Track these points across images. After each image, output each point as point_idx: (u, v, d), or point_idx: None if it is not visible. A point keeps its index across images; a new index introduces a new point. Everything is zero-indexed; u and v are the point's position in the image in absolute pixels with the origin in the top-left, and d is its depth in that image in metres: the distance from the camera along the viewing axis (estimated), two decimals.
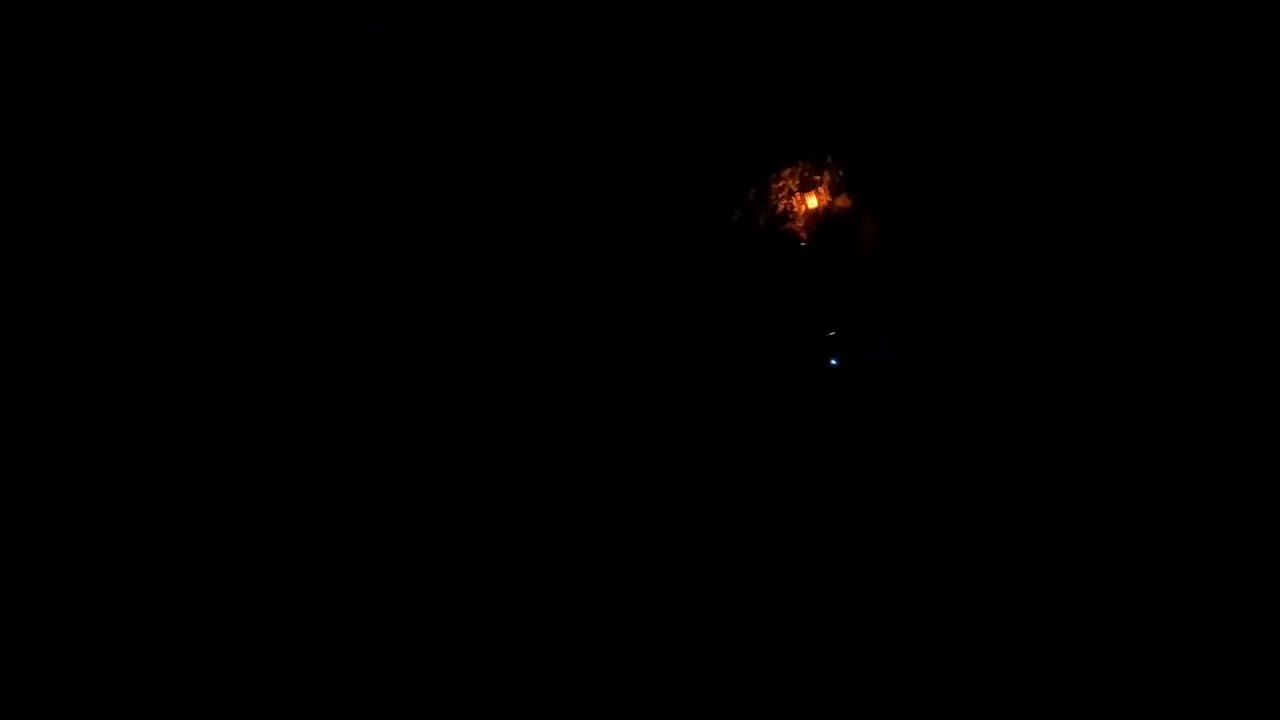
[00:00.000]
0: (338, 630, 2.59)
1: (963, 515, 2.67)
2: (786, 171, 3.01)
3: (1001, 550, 2.61)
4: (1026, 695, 2.44)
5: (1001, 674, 2.46)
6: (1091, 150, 2.81)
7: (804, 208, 3.00)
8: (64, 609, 2.57)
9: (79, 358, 2.79)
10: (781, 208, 3.01)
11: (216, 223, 2.91)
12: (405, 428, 2.83)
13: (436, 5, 2.94)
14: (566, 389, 2.88)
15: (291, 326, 2.88)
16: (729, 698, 2.50)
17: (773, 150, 3.00)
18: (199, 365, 2.82)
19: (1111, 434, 2.68)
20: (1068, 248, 2.81)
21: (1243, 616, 2.43)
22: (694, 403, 2.87)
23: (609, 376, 2.89)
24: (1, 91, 2.86)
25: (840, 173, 3.00)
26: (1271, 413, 2.58)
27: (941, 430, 2.78)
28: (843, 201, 3.00)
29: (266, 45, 2.94)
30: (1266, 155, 2.67)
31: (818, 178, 3.01)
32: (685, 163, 2.98)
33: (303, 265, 2.91)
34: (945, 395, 2.80)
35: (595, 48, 2.97)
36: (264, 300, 2.88)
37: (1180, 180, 2.75)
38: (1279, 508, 2.50)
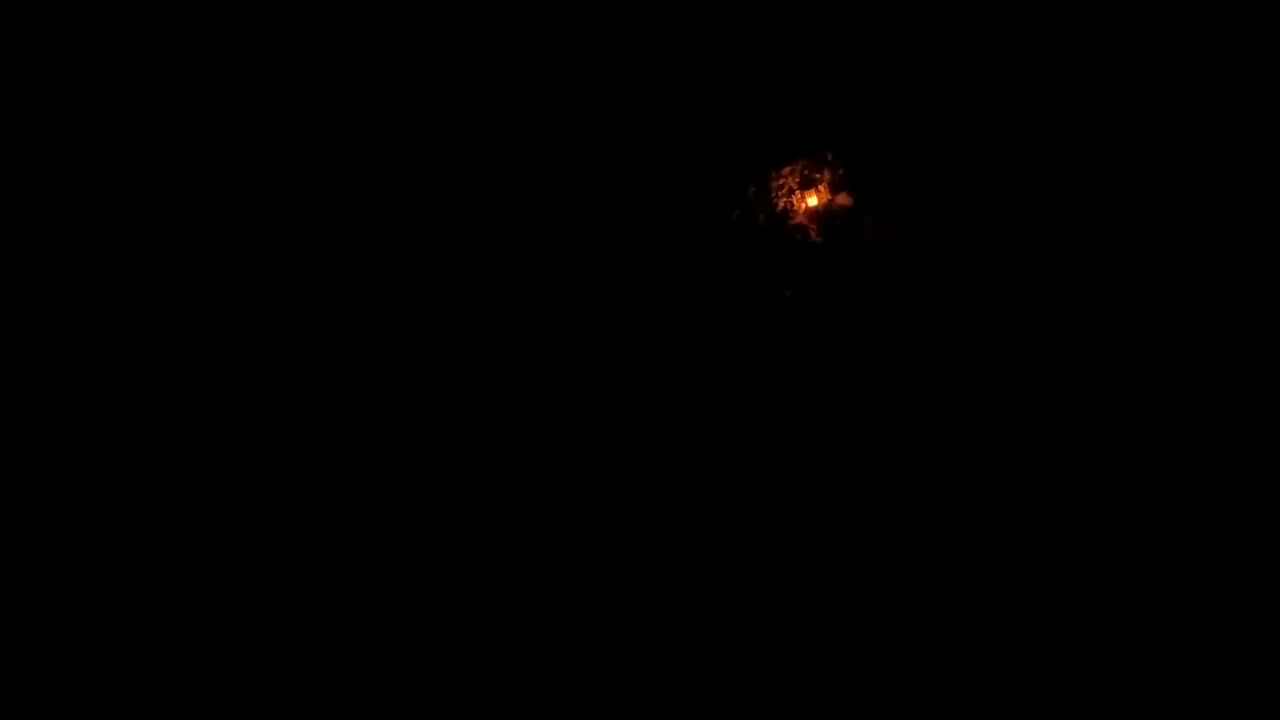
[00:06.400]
0: (338, 630, 2.61)
1: (965, 514, 2.67)
2: (787, 169, 3.00)
3: (999, 550, 2.61)
4: (1025, 695, 2.45)
5: (996, 673, 2.47)
6: (1091, 148, 2.80)
7: (804, 206, 2.99)
8: (64, 609, 2.59)
9: (79, 358, 2.80)
10: (782, 206, 3.00)
11: (216, 223, 2.92)
12: (405, 427, 2.83)
13: (436, 5, 2.93)
14: (566, 389, 2.88)
15: (291, 326, 2.88)
16: (727, 697, 2.51)
17: (773, 148, 2.99)
18: (199, 365, 2.84)
19: (1111, 430, 2.67)
20: (1070, 245, 2.80)
21: (1243, 616, 2.44)
22: (692, 401, 2.87)
23: (608, 375, 2.89)
24: (2, 91, 2.87)
25: (841, 171, 2.99)
26: (1272, 413, 2.58)
27: (942, 428, 2.77)
28: (843, 199, 2.99)
29: (267, 45, 2.94)
30: (1267, 157, 2.66)
31: (818, 175, 3.00)
32: (685, 161, 2.98)
33: (302, 265, 2.92)
34: (947, 393, 2.80)
35: (595, 47, 2.96)
36: (264, 300, 2.89)
37: (1180, 174, 2.74)
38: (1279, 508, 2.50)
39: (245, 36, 2.94)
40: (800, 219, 2.99)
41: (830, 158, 2.99)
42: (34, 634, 2.56)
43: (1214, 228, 2.71)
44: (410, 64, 2.97)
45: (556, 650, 2.59)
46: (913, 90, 2.90)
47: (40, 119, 2.88)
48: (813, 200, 2.99)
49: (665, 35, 2.96)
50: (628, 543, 2.72)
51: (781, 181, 3.00)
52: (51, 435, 2.74)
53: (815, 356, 2.89)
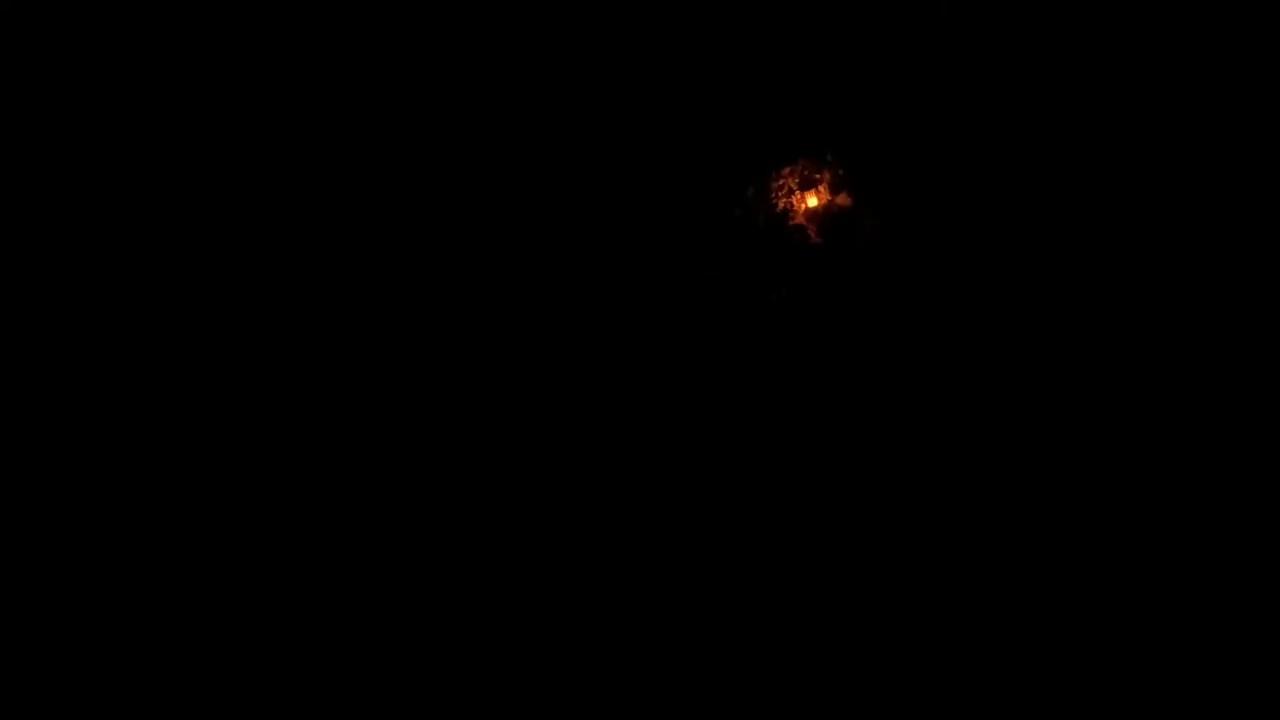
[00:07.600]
0: (338, 630, 2.61)
1: (963, 513, 2.68)
2: (787, 170, 3.00)
3: (997, 547, 2.62)
4: (1024, 695, 2.45)
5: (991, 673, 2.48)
6: (1088, 147, 2.80)
7: (804, 206, 3.00)
8: (64, 609, 2.59)
9: (80, 359, 2.80)
10: (782, 206, 3.00)
11: (217, 224, 2.92)
12: (405, 426, 2.84)
13: (436, 5, 2.94)
14: (566, 387, 2.88)
15: (292, 327, 2.89)
16: (726, 697, 2.52)
17: (773, 149, 2.99)
18: (200, 366, 2.84)
19: (1110, 429, 2.68)
20: (1069, 244, 2.80)
21: (1243, 616, 2.44)
22: (693, 401, 2.88)
23: (608, 374, 2.89)
24: (2, 91, 2.87)
25: (840, 171, 2.99)
26: (1271, 413, 2.58)
27: (942, 426, 2.78)
28: (843, 199, 2.99)
29: (267, 45, 2.94)
30: (1266, 155, 2.66)
31: (818, 176, 3.00)
32: (685, 162, 2.98)
33: (303, 266, 2.92)
34: (946, 391, 2.81)
35: (595, 46, 2.96)
36: (264, 301, 2.89)
37: (1174, 175, 2.75)
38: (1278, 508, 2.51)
39: (245, 37, 2.94)
40: (800, 219, 3.00)
41: (830, 158, 2.99)
42: (34, 633, 2.56)
43: (1206, 223, 2.72)
44: (412, 65, 2.97)
45: (556, 649, 2.59)
46: (912, 91, 2.91)
47: (40, 119, 2.88)
48: (812, 200, 2.99)
49: (665, 36, 2.97)
50: (627, 540, 2.72)
51: (781, 182, 3.00)
52: (51, 435, 2.74)
53: (815, 356, 2.89)
